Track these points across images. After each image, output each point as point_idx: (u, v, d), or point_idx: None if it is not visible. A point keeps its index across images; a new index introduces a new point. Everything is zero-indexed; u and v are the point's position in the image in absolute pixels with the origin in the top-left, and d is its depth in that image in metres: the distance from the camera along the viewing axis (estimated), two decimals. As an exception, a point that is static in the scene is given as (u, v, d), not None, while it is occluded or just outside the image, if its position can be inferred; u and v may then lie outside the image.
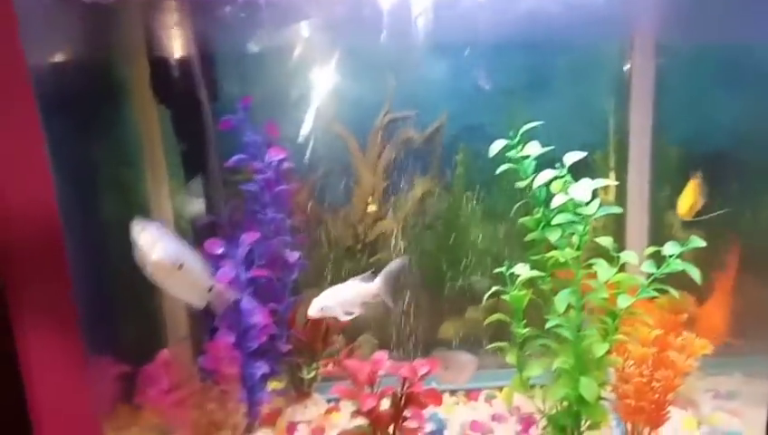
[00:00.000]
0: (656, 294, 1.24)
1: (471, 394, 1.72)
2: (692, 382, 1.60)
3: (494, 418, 1.60)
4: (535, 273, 1.30)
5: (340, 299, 1.33)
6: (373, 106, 1.70)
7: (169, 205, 1.54)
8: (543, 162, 1.29)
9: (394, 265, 1.37)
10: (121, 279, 1.42)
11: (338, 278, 1.77)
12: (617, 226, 1.72)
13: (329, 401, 1.66)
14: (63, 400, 1.37)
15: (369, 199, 1.72)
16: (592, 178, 1.23)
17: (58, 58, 1.14)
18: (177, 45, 1.36)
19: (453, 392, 1.73)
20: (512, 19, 1.41)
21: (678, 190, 1.53)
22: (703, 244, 1.22)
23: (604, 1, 1.39)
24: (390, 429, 1.28)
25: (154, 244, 1.08)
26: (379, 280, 1.34)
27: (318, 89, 1.61)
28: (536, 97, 1.69)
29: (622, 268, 1.26)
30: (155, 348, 1.38)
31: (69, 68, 1.17)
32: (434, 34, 1.50)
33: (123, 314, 1.44)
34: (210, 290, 1.20)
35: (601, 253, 1.30)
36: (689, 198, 1.51)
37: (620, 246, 1.28)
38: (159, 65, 1.37)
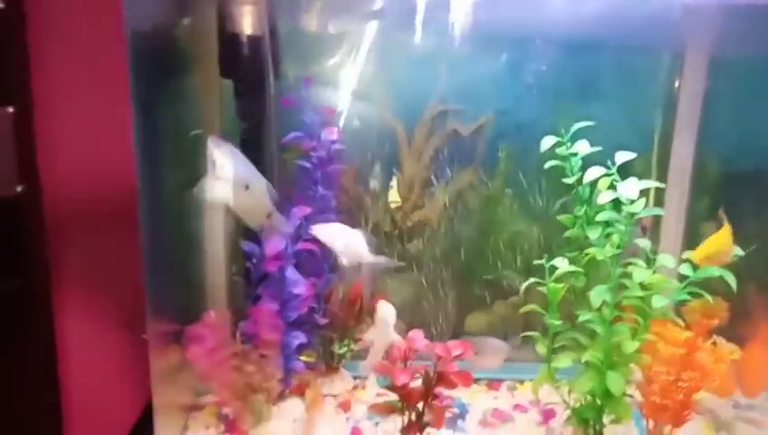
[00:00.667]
0: (688, 297, 1.28)
1: (493, 384, 1.77)
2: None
3: (515, 407, 1.65)
4: (573, 268, 1.35)
5: (344, 238, 1.37)
6: (423, 98, 1.74)
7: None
8: (586, 165, 1.34)
9: (383, 260, 1.42)
10: (174, 246, 1.49)
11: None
12: (652, 234, 1.76)
13: (355, 377, 1.73)
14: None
15: (392, 190, 1.76)
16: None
17: (138, 26, 1.21)
18: (247, 22, 1.43)
19: (476, 381, 1.77)
20: (568, 20, 1.45)
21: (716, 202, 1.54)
22: (742, 253, 1.26)
23: (660, 11, 1.42)
24: (420, 405, 1.34)
25: (226, 161, 1.15)
26: (370, 255, 1.38)
27: (372, 76, 1.66)
28: (584, 100, 1.73)
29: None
30: (199, 312, 1.45)
31: (146, 37, 1.24)
32: (489, 31, 1.54)
33: (174, 280, 1.50)
34: (269, 216, 1.25)
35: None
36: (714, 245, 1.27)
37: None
38: (229, 41, 1.44)
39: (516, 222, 1.81)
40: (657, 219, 1.73)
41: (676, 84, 1.68)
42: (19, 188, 1.85)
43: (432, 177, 1.81)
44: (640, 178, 1.27)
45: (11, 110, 1.81)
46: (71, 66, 1.82)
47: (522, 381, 1.76)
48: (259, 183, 1.28)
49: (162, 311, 1.38)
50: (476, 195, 1.82)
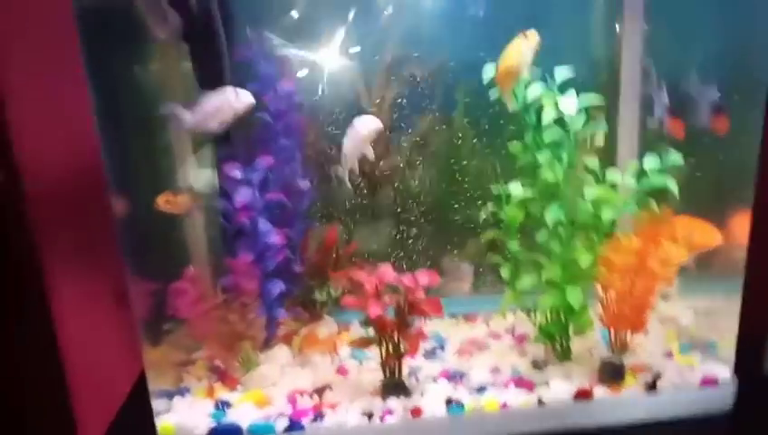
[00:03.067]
0: (636, 207, 1.36)
1: (469, 317, 1.86)
2: (674, 302, 1.73)
3: (490, 336, 1.74)
4: (528, 193, 1.42)
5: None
6: (378, 46, 1.78)
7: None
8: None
9: None
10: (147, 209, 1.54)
11: (344, 210, 1.91)
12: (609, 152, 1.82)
13: (339, 323, 1.81)
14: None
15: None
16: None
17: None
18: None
19: (453, 315, 1.86)
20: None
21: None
22: (681, 162, 1.33)
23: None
24: (395, 336, 1.42)
25: None
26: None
27: (327, 30, 1.70)
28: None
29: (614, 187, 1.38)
30: (180, 269, 1.52)
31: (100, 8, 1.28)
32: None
33: (154, 241, 1.56)
34: None
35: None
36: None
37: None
38: (179, 3, 1.46)
39: (478, 157, 1.87)
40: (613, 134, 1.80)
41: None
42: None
43: (394, 124, 1.86)
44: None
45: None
46: (27, 51, 1.84)
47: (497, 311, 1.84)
48: None
49: (144, 274, 1.44)
50: (438, 137, 1.88)
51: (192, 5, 1.43)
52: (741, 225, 1.42)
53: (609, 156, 1.77)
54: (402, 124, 1.85)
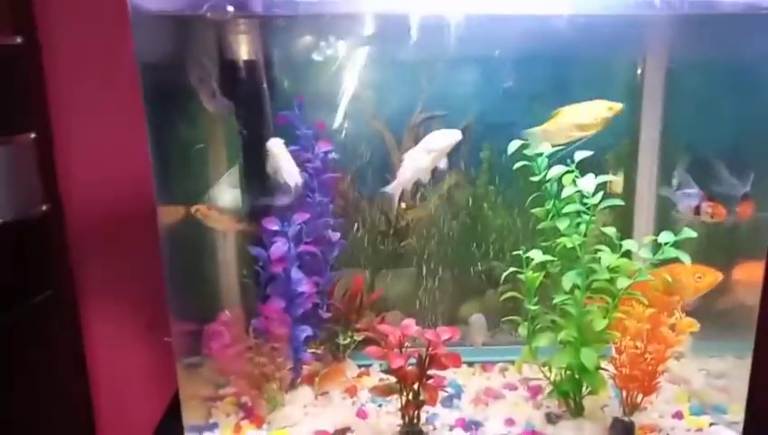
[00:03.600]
0: (651, 277, 1.43)
1: (486, 366, 1.93)
2: (686, 362, 1.79)
3: (506, 386, 1.80)
4: (547, 257, 1.50)
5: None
6: (410, 107, 1.90)
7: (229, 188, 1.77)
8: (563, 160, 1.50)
9: None
10: (185, 252, 1.65)
11: (371, 259, 2.01)
12: (626, 220, 1.91)
13: (360, 366, 1.89)
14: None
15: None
16: (605, 174, 1.44)
17: (151, 60, 1.38)
18: (244, 51, 1.59)
19: (470, 364, 1.93)
20: (537, 34, 1.59)
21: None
22: (694, 234, 1.40)
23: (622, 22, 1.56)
24: (415, 386, 1.50)
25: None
26: None
27: (362, 91, 1.82)
28: (557, 102, 1.88)
29: (629, 256, 1.46)
30: (215, 311, 1.63)
31: (159, 69, 1.41)
32: (466, 44, 1.70)
33: (188, 283, 1.67)
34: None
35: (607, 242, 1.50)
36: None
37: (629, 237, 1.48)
38: (227, 66, 1.60)
39: (500, 216, 1.96)
40: (630, 206, 1.90)
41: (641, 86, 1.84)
42: (44, 208, 2.03)
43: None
44: (615, 167, 1.43)
45: (33, 136, 2.00)
46: (85, 93, 2.00)
47: (513, 362, 1.91)
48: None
49: (182, 313, 1.54)
50: (463, 192, 1.97)
51: (242, 75, 1.56)
52: (753, 287, 1.50)
53: (626, 226, 1.86)
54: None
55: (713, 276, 1.54)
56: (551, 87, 1.86)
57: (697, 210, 1.54)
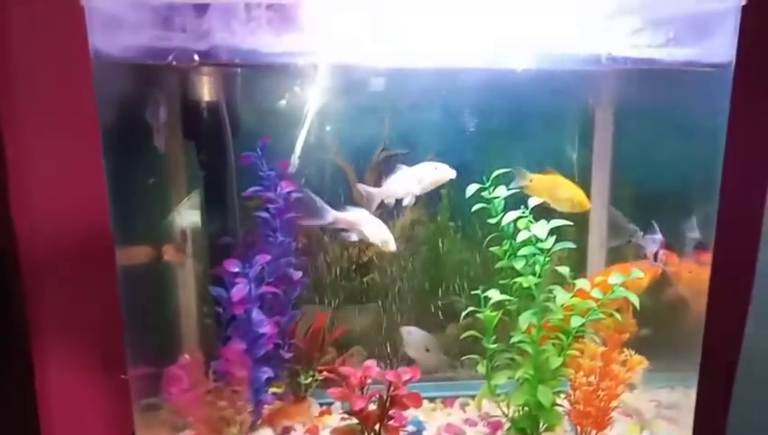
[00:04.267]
0: (603, 316, 1.49)
1: (447, 401, 1.95)
2: (638, 394, 1.85)
3: (466, 422, 1.83)
4: (504, 296, 1.55)
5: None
6: (371, 146, 1.94)
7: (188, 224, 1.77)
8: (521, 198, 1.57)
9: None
10: (143, 291, 1.63)
11: (334, 295, 2.03)
12: (580, 256, 1.98)
13: (321, 404, 1.89)
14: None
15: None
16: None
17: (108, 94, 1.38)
18: (206, 92, 1.61)
19: (432, 399, 1.95)
20: (496, 83, 1.67)
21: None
22: (641, 275, 1.47)
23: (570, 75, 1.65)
24: (377, 427, 1.51)
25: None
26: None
27: (323, 130, 1.85)
28: (513, 142, 1.95)
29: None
30: (173, 353, 1.61)
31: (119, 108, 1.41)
32: (425, 92, 1.76)
33: (146, 323, 1.65)
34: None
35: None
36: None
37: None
38: (189, 106, 1.61)
39: (459, 252, 2.01)
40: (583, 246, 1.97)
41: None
42: (-5, 241, 1.97)
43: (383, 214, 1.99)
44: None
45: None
46: (40, 125, 1.96)
47: (473, 397, 1.94)
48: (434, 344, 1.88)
49: (140, 354, 1.52)
50: (423, 229, 2.01)
51: (203, 117, 1.57)
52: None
53: (580, 267, 1.93)
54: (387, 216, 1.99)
55: (654, 271, 1.64)
56: (509, 131, 1.92)
57: (656, 256, 1.62)
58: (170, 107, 1.54)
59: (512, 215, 1.49)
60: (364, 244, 2.01)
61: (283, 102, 1.74)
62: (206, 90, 1.62)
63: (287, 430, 1.77)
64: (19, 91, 1.92)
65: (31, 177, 1.99)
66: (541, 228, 1.45)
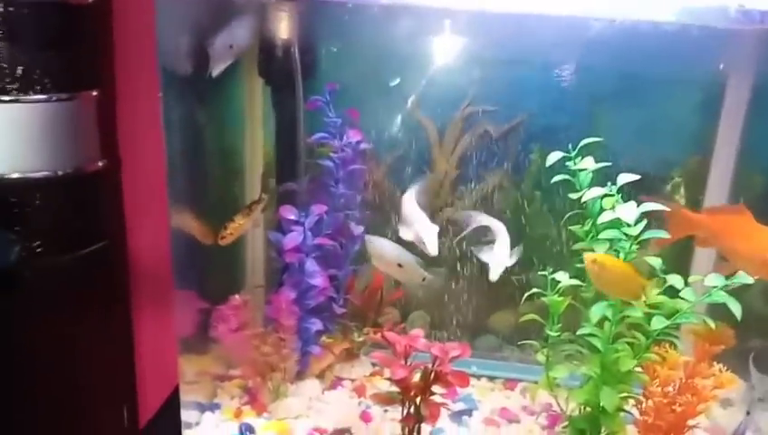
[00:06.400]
0: (693, 320, 1.26)
1: (508, 384, 1.81)
2: (733, 413, 1.59)
3: (524, 409, 1.68)
4: (574, 281, 1.36)
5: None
6: (457, 99, 1.77)
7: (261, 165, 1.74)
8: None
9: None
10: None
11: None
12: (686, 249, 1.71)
13: (373, 365, 1.82)
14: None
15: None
16: (664, 195, 1.27)
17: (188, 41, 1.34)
18: (281, 33, 1.54)
19: (491, 379, 1.82)
20: (605, 39, 1.44)
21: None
22: (751, 280, 1.22)
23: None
24: (417, 400, 1.41)
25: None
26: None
27: (405, 80, 1.71)
28: (623, 107, 1.70)
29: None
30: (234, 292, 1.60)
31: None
32: (528, 44, 1.56)
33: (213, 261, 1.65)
34: (423, 280, 1.58)
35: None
36: None
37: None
38: (264, 43, 1.55)
39: (543, 224, 1.81)
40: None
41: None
42: (101, 163, 2.08)
43: (461, 176, 1.84)
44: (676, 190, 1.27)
45: (95, 93, 2.04)
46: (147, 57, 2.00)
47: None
48: (408, 259, 1.59)
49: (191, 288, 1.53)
50: (505, 196, 1.84)
51: (275, 45, 1.50)
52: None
53: (685, 264, 1.67)
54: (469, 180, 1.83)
55: None
56: (615, 92, 1.67)
57: None
58: (241, 41, 1.48)
59: (596, 191, 1.28)
60: (438, 206, 1.88)
61: (365, 46, 1.61)
62: (279, 27, 1.54)
63: (335, 384, 1.73)
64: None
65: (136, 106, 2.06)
66: (629, 211, 1.23)
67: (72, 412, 2.02)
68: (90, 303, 2.06)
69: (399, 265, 1.57)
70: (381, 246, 1.59)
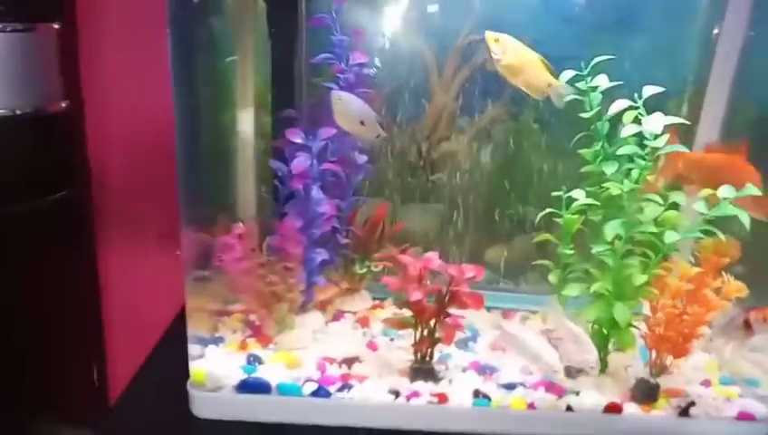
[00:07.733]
0: (701, 235, 1.30)
1: (507, 314, 1.84)
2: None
3: (525, 335, 1.72)
4: (591, 200, 1.38)
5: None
6: (456, 28, 1.73)
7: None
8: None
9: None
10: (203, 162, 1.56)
11: (396, 188, 1.90)
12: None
13: (374, 298, 1.82)
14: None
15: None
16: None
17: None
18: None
19: (489, 309, 1.84)
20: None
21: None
22: (758, 191, 1.26)
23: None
24: (432, 323, 1.42)
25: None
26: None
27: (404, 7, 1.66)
28: (623, 36, 1.70)
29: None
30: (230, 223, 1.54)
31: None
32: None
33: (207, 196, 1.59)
34: (378, 137, 1.50)
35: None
36: None
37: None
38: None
39: (543, 157, 1.82)
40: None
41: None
42: (63, 104, 1.95)
43: (461, 108, 1.82)
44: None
45: (56, 26, 1.89)
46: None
47: (535, 313, 1.82)
48: (371, 116, 1.49)
49: (195, 223, 1.47)
50: (504, 128, 1.83)
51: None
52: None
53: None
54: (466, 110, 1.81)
55: None
56: (616, 19, 1.67)
57: None
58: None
59: (620, 104, 1.29)
60: (436, 138, 1.86)
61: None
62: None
63: (338, 316, 1.72)
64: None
65: (101, 43, 1.93)
66: (655, 122, 1.24)
67: (38, 361, 1.95)
68: (52, 252, 1.97)
69: (362, 123, 1.48)
70: (349, 101, 1.49)
